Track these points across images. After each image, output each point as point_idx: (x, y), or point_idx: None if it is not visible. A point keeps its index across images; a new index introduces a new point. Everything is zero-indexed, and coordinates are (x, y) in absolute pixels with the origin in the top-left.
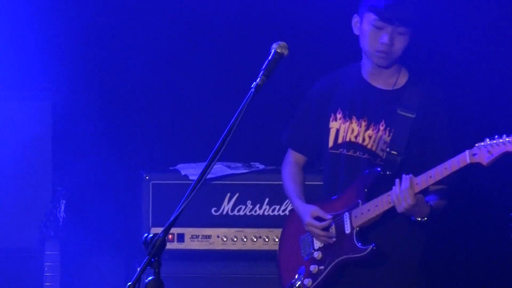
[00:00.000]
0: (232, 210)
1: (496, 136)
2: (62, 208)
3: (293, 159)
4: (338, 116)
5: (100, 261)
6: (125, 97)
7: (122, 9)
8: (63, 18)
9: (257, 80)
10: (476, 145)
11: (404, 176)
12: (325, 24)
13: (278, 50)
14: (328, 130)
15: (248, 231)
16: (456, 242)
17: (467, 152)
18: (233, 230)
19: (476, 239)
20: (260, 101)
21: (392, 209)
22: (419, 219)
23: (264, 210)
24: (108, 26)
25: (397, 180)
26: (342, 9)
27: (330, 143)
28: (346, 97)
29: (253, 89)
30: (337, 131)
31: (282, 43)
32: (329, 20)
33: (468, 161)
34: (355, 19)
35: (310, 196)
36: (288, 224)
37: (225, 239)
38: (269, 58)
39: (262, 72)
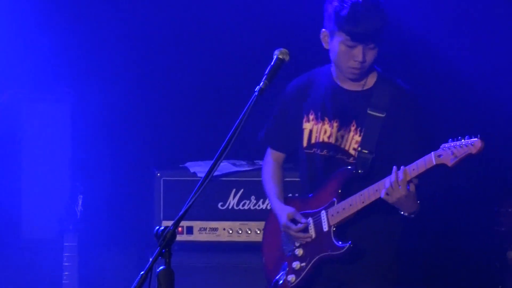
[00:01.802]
0: (237, 204)
1: (460, 137)
2: (80, 202)
3: (272, 158)
4: (311, 117)
5: (115, 252)
6: (139, 101)
7: (135, 12)
8: (80, 22)
9: (261, 84)
10: (441, 146)
11: (395, 169)
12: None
13: (280, 56)
14: (301, 130)
15: (252, 224)
16: (438, 236)
17: (432, 154)
18: (238, 223)
19: (462, 233)
20: (263, 103)
21: (369, 209)
22: (407, 214)
23: (267, 204)
24: (120, 29)
25: (394, 170)
26: None
27: (304, 143)
28: (318, 99)
29: (256, 93)
30: (310, 131)
31: (283, 50)
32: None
33: (434, 162)
34: (324, 33)
35: (290, 192)
36: (270, 221)
37: (230, 232)
38: (272, 63)
39: (265, 76)
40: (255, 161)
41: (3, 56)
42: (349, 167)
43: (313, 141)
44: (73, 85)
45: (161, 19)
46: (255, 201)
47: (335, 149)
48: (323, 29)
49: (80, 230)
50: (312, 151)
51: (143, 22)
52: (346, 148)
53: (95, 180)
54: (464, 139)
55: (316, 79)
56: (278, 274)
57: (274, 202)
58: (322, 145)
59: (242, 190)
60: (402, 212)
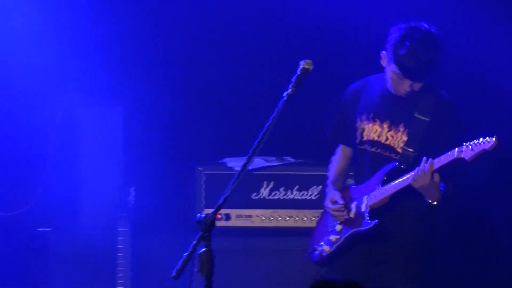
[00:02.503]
0: (269, 195)
1: (481, 138)
2: (132, 193)
3: (341, 151)
4: (363, 117)
5: (161, 236)
6: (183, 105)
7: (178, 20)
8: (131, 28)
9: (288, 90)
10: (464, 144)
11: (424, 160)
12: (347, 38)
13: (305, 66)
14: (356, 128)
15: (281, 212)
16: (459, 231)
17: (456, 149)
18: (269, 211)
19: (484, 230)
20: (291, 106)
21: (401, 196)
22: (430, 201)
23: (294, 195)
24: (163, 37)
25: (423, 160)
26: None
27: (357, 140)
28: (371, 102)
29: (284, 98)
30: (362, 130)
31: (308, 61)
32: (354, 33)
33: (455, 155)
34: (383, 55)
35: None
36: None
37: (263, 218)
38: (298, 72)
39: (291, 84)
40: (283, 157)
41: (63, 65)
42: (395, 162)
43: (364, 138)
44: (124, 90)
45: (201, 27)
46: (284, 192)
47: (383, 147)
48: (384, 51)
49: (132, 217)
50: (363, 147)
51: (184, 28)
52: (395, 146)
53: (146, 173)
54: (484, 139)
55: (370, 85)
56: (318, 244)
57: (327, 186)
58: (372, 142)
59: (272, 182)
60: (426, 199)
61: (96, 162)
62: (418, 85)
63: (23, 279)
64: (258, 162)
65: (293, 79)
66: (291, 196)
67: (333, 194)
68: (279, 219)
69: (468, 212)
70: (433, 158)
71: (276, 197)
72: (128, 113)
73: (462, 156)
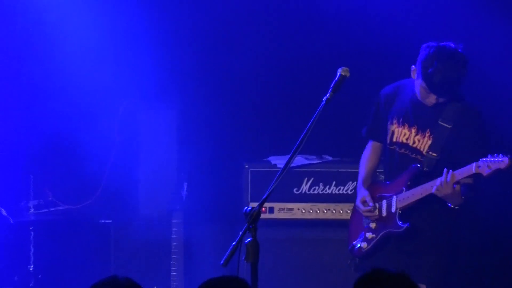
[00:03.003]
0: (309, 190)
1: (496, 154)
2: (185, 188)
3: (371, 146)
4: (394, 121)
5: (211, 227)
6: (232, 107)
7: (233, 21)
8: (184, 36)
9: (327, 95)
10: (480, 159)
11: (445, 171)
12: (383, 44)
13: (342, 73)
14: (387, 130)
15: (321, 205)
16: (481, 232)
17: (474, 164)
18: (309, 204)
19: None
20: (330, 108)
21: (427, 198)
22: (453, 206)
23: (332, 190)
24: (214, 38)
25: (444, 172)
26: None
27: (388, 140)
28: (402, 108)
29: (324, 102)
30: (393, 132)
31: (345, 68)
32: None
33: (473, 171)
34: (413, 69)
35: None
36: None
37: (303, 211)
38: (336, 79)
39: (330, 89)
40: (322, 156)
41: (122, 72)
42: (418, 165)
43: (394, 140)
44: (179, 94)
45: (251, 34)
46: (322, 187)
47: (411, 149)
48: (414, 66)
49: (185, 210)
50: (393, 148)
51: (234, 35)
52: (421, 149)
53: (197, 170)
54: (499, 156)
55: (402, 91)
56: (356, 240)
57: (358, 185)
58: (401, 144)
59: (312, 178)
60: (449, 204)
61: (153, 160)
62: (443, 100)
63: (87, 266)
64: (299, 160)
65: (332, 85)
66: (329, 191)
67: (363, 194)
68: (318, 211)
69: (491, 210)
70: (454, 162)
71: (316, 191)
72: (183, 116)
73: (480, 172)
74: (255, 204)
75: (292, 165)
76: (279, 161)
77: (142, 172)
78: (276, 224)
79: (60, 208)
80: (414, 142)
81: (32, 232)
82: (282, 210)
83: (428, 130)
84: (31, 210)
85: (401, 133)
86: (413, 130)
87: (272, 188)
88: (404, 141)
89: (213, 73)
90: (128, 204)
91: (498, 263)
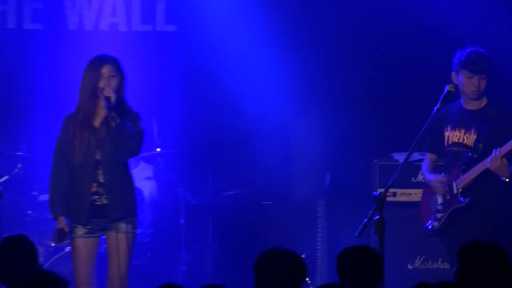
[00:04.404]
0: (423, 179)
1: None
2: (328, 178)
3: (429, 158)
4: (448, 128)
5: (348, 208)
6: (364, 111)
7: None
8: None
9: (437, 106)
10: None
11: (494, 150)
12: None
13: (449, 89)
14: (443, 137)
15: None
16: None
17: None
18: (421, 190)
19: None
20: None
21: (482, 176)
22: (504, 178)
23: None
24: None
25: (494, 150)
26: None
27: (445, 144)
28: (453, 117)
29: (434, 111)
30: (448, 137)
31: (451, 85)
32: None
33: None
34: (453, 75)
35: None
36: (426, 190)
37: (419, 195)
38: (444, 93)
39: (440, 101)
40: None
41: (290, 87)
42: (469, 154)
43: (449, 142)
44: (324, 105)
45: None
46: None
47: (462, 145)
48: (453, 72)
49: (327, 194)
50: (449, 149)
51: (358, 48)
52: (469, 144)
53: (338, 164)
54: None
55: (452, 107)
56: (428, 222)
57: (427, 175)
58: (454, 144)
59: None
60: (501, 178)
61: (304, 156)
62: (483, 83)
63: (250, 237)
64: (415, 156)
65: (441, 98)
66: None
67: (436, 175)
68: None
69: None
70: (497, 147)
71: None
72: (327, 123)
73: None
74: (382, 190)
75: (410, 160)
76: (400, 157)
77: (294, 165)
78: (398, 206)
79: (231, 192)
80: (463, 140)
81: (209, 212)
82: (402, 194)
83: (473, 129)
84: (209, 194)
85: (454, 136)
86: (462, 131)
87: (395, 177)
88: (456, 140)
89: (349, 87)
90: (283, 189)
91: None
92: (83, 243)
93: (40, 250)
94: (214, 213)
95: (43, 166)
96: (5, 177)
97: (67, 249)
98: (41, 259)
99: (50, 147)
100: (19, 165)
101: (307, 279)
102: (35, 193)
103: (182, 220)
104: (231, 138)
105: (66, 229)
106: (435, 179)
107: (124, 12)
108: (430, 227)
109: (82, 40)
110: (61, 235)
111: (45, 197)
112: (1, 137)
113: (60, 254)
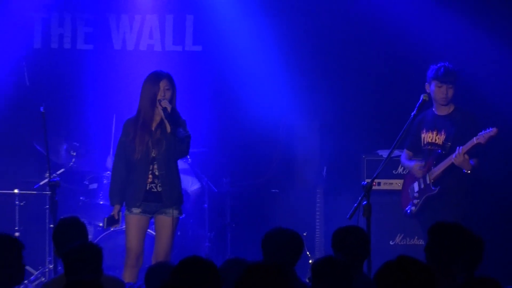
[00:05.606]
0: (403, 171)
1: (487, 128)
2: (325, 170)
3: (406, 153)
4: (424, 131)
5: (341, 195)
6: (351, 117)
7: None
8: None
9: (414, 112)
10: (478, 133)
11: (457, 147)
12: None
13: (424, 98)
14: (420, 138)
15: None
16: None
17: (474, 138)
18: (402, 180)
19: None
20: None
21: (449, 170)
22: (466, 171)
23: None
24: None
25: (457, 148)
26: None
27: (422, 144)
28: (428, 121)
29: (412, 116)
30: (424, 137)
31: (426, 94)
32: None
33: (475, 141)
34: (426, 85)
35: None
36: (405, 181)
37: (399, 184)
38: (419, 101)
39: (416, 109)
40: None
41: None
42: (439, 151)
43: (425, 142)
44: (321, 108)
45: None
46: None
47: (434, 145)
48: (426, 83)
49: (325, 184)
50: (425, 147)
51: (364, 59)
52: (440, 143)
53: (332, 159)
54: (489, 129)
55: (426, 114)
56: (407, 206)
57: (409, 162)
58: (428, 143)
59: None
60: (464, 170)
61: (305, 152)
62: (450, 91)
63: (258, 220)
64: (396, 152)
65: (416, 106)
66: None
67: (415, 162)
68: None
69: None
70: (462, 145)
71: (405, 171)
72: (323, 124)
73: (479, 141)
74: (369, 180)
75: (392, 155)
76: (384, 153)
77: (298, 160)
78: (382, 193)
79: (245, 182)
80: (435, 140)
81: (228, 199)
82: (386, 184)
83: (443, 130)
84: (228, 184)
85: (428, 137)
86: (435, 133)
87: (379, 170)
88: (430, 140)
89: (344, 96)
90: (286, 182)
91: (497, 217)
92: (137, 219)
93: (90, 229)
94: (232, 199)
95: (92, 161)
96: (62, 170)
97: (112, 227)
98: (90, 236)
99: (97, 145)
100: (73, 160)
101: (308, 252)
102: (86, 182)
103: (206, 205)
104: (246, 139)
105: (117, 217)
106: (415, 164)
107: (159, 35)
108: (409, 211)
109: (125, 58)
110: (112, 221)
111: (94, 185)
112: (59, 138)
113: (106, 232)
